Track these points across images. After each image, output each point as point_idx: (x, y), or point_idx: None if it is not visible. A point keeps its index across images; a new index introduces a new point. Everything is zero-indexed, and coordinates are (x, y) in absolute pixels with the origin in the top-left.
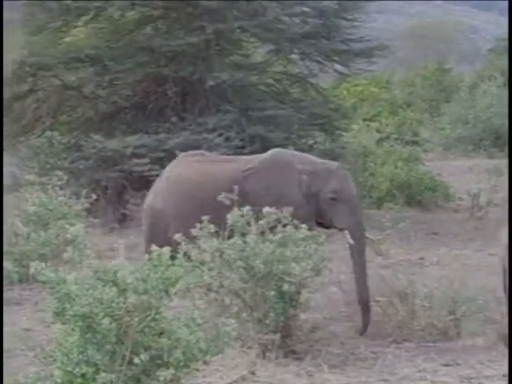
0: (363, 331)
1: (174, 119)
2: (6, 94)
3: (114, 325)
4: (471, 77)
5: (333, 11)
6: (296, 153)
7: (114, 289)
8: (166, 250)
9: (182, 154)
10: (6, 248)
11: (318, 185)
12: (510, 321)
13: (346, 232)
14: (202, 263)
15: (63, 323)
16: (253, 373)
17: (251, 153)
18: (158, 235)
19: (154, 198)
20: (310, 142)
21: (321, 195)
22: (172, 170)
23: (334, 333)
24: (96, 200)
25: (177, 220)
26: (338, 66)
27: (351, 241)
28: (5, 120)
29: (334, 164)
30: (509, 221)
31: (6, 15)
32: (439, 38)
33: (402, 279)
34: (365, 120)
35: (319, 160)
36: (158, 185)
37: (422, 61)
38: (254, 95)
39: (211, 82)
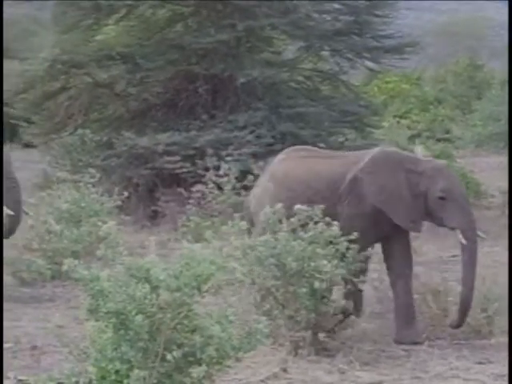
0: (456, 326)
1: (204, 117)
2: (39, 92)
3: (146, 322)
4: (502, 73)
5: (364, 8)
6: (402, 152)
7: (147, 286)
8: (198, 246)
9: (286, 149)
10: (39, 245)
11: (426, 184)
12: (510, 321)
13: (458, 231)
14: (234, 260)
15: (97, 320)
16: (285, 370)
17: (282, 150)
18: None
19: (258, 195)
20: (341, 139)
21: (429, 194)
22: (276, 166)
23: (365, 330)
24: (127, 197)
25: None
26: (368, 63)
27: (464, 240)
28: (37, 118)
29: (441, 163)
30: (509, 220)
31: (37, 14)
32: (470, 35)
33: (434, 276)
34: (395, 117)
35: (425, 159)
36: (262, 181)
37: (453, 57)
38: (284, 92)
39: (242, 80)
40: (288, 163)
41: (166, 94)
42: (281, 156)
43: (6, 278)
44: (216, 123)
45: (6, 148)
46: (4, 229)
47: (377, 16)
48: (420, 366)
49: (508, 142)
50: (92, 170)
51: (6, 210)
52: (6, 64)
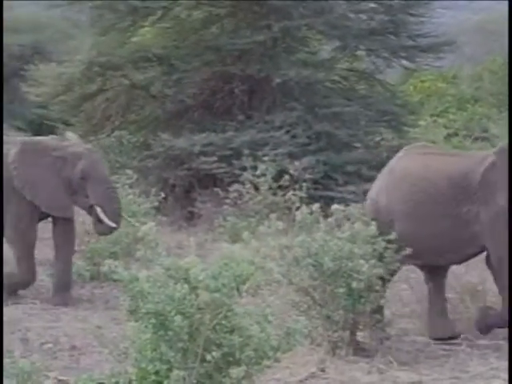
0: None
1: (240, 117)
2: (76, 95)
3: (185, 322)
4: None
5: (399, 7)
6: None
7: (186, 286)
8: (237, 247)
9: (405, 147)
10: (77, 246)
11: None
12: (510, 321)
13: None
14: (271, 260)
15: (136, 321)
16: (323, 370)
17: (318, 150)
18: (381, 231)
19: (376, 192)
20: (377, 138)
21: None
22: (396, 163)
23: (403, 330)
24: (164, 198)
25: (403, 215)
26: (404, 62)
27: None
28: (75, 120)
29: None
30: (509, 219)
31: (74, 17)
32: (507, 33)
33: (473, 276)
34: (432, 116)
35: None
36: (381, 179)
37: (490, 55)
38: (320, 92)
39: (278, 80)
40: (408, 160)
41: (202, 95)
42: (400, 153)
43: (45, 280)
44: (252, 124)
45: (95, 151)
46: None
47: (412, 15)
48: (459, 366)
49: (508, 142)
50: (129, 172)
51: (107, 221)
52: (44, 66)
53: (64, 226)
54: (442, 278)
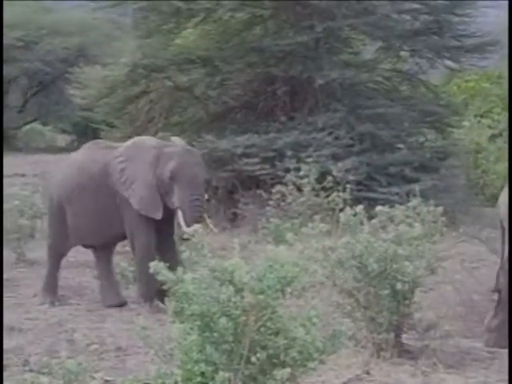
0: None
1: (283, 119)
2: (120, 97)
3: (230, 324)
4: None
5: (443, 7)
6: None
7: (231, 288)
8: (283, 249)
9: None
10: (121, 248)
11: None
12: (510, 321)
13: None
14: (315, 262)
15: (181, 322)
16: (367, 372)
17: (361, 151)
18: None
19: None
20: (421, 139)
21: None
22: None
23: (448, 332)
24: (207, 200)
25: None
26: (448, 62)
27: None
28: (118, 122)
29: None
30: (509, 219)
31: (119, 19)
32: None
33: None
34: (476, 116)
35: None
36: None
37: None
38: (363, 93)
39: (320, 81)
40: None
41: (245, 97)
42: None
43: (91, 281)
44: (295, 125)
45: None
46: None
47: (456, 15)
48: (506, 368)
49: (508, 142)
50: None
51: (184, 227)
52: (89, 69)
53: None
54: None
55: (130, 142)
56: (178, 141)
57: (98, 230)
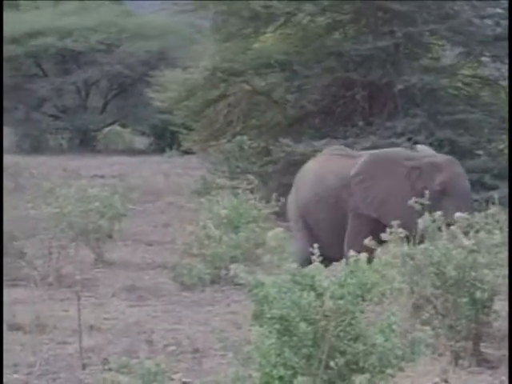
0: None
1: (361, 123)
2: (199, 100)
3: (310, 328)
4: None
5: None
6: None
7: (312, 293)
8: (364, 255)
9: None
10: (198, 250)
11: None
12: (510, 321)
13: None
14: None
15: (261, 325)
16: (445, 380)
17: None
18: None
19: None
20: (501, 146)
21: None
22: None
23: None
24: (284, 204)
25: None
26: None
27: None
28: (197, 125)
29: None
30: (509, 219)
31: (199, 23)
32: None
33: None
34: None
35: None
36: None
37: None
38: (443, 99)
39: (400, 86)
40: None
41: (324, 101)
42: None
43: (168, 282)
44: (373, 130)
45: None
46: None
47: None
48: None
49: (508, 142)
50: (250, 177)
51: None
52: (169, 72)
53: None
54: None
55: (367, 158)
56: (425, 149)
57: (335, 243)
